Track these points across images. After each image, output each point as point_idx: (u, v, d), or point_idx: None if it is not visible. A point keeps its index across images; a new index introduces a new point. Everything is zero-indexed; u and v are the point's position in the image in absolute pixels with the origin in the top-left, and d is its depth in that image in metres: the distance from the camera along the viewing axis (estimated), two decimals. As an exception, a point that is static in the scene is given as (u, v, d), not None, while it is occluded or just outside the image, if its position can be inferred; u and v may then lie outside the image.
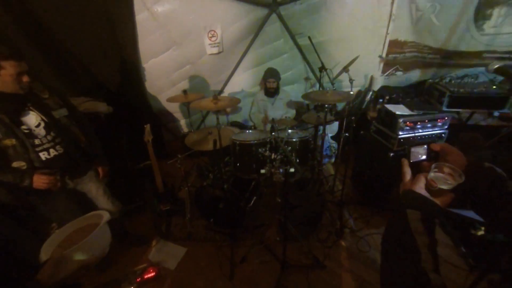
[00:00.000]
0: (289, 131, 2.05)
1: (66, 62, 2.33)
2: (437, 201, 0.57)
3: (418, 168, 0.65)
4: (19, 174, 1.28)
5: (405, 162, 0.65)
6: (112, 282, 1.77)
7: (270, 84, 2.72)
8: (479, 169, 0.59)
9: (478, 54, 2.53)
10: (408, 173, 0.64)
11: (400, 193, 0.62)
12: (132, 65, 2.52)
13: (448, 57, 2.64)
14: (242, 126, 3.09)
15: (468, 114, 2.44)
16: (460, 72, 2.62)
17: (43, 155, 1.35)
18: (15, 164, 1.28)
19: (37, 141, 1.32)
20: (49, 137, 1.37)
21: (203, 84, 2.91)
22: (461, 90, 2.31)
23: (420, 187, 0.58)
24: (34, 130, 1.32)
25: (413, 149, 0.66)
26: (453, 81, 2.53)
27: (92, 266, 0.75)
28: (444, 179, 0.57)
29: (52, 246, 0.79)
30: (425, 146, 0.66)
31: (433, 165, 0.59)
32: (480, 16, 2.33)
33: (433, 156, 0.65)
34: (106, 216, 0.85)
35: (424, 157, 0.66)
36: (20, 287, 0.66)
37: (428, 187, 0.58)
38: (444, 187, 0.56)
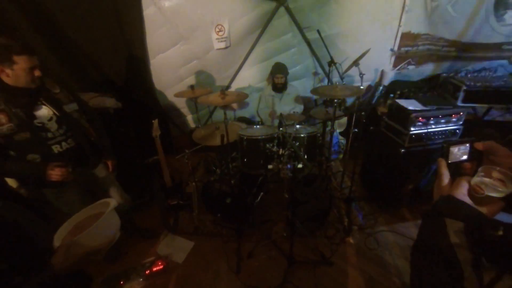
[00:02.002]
0: (297, 126, 2.02)
1: (75, 58, 2.37)
2: (483, 210, 0.49)
3: (457, 170, 0.57)
4: (33, 166, 1.32)
5: (442, 162, 0.56)
6: (122, 273, 1.81)
7: (278, 79, 2.68)
8: None
9: (497, 46, 2.40)
10: (446, 175, 0.55)
11: (436, 199, 0.54)
12: (140, 60, 2.53)
13: (464, 50, 2.52)
14: (249, 122, 3.08)
15: (485, 109, 2.34)
16: (477, 65, 2.51)
17: (56, 148, 1.38)
18: (29, 157, 1.32)
19: (49, 135, 1.36)
20: (61, 131, 1.40)
21: (210, 79, 2.91)
22: (478, 84, 2.21)
23: (462, 193, 0.50)
24: (46, 124, 1.35)
25: (452, 148, 0.56)
26: (469, 75, 2.42)
27: (102, 251, 0.77)
28: (493, 185, 0.48)
29: (64, 233, 0.82)
30: (467, 144, 0.56)
31: (479, 168, 0.51)
32: (501, 5, 2.21)
33: (476, 156, 0.56)
34: (113, 203, 0.87)
35: (465, 157, 0.57)
36: (36, 271, 0.69)
37: (473, 193, 0.50)
38: (494, 194, 0.48)
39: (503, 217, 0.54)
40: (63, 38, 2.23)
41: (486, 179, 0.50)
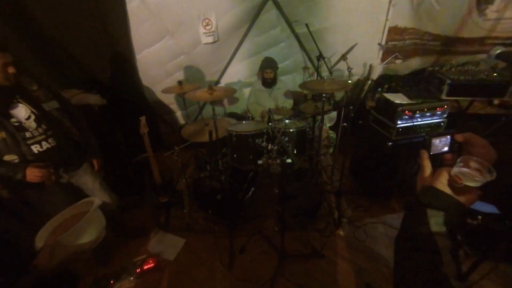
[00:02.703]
0: (286, 121, 2.02)
1: (55, 54, 2.26)
2: (462, 199, 0.51)
3: (439, 161, 0.58)
4: (11, 167, 1.26)
5: (424, 154, 0.58)
6: (112, 273, 1.78)
7: (268, 74, 2.67)
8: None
9: (479, 41, 2.47)
10: (428, 167, 0.57)
11: (418, 189, 0.56)
12: (125, 56, 2.46)
13: (448, 44, 2.58)
14: (240, 117, 3.06)
15: (468, 102, 2.41)
16: (461, 59, 2.57)
17: (35, 148, 1.33)
18: (6, 158, 1.26)
19: (28, 134, 1.30)
20: (40, 130, 1.34)
21: (198, 74, 2.86)
22: (462, 77, 2.26)
23: (442, 183, 0.52)
24: (24, 123, 1.29)
25: (434, 140, 0.57)
26: (453, 69, 2.47)
27: (88, 251, 0.76)
28: (471, 175, 0.50)
29: (46, 234, 0.80)
30: (448, 136, 0.58)
31: (458, 159, 0.52)
32: (483, 0, 2.26)
33: (456, 148, 0.58)
34: (97, 201, 0.85)
35: (446, 148, 0.58)
36: (18, 273, 0.67)
37: (452, 183, 0.51)
38: (471, 184, 0.49)
39: (479, 205, 0.57)
40: (41, 34, 2.13)
41: (464, 169, 0.51)
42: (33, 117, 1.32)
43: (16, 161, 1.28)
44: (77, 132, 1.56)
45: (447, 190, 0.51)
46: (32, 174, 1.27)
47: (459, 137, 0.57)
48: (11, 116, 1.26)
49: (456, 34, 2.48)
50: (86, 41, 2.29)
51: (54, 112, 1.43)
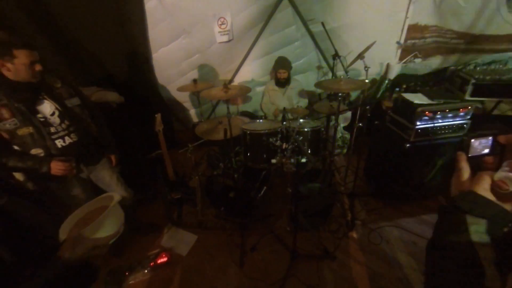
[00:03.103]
0: (301, 120, 2.00)
1: (77, 53, 2.35)
2: (507, 207, 0.46)
3: (478, 164, 0.54)
4: (37, 160, 1.33)
5: (462, 156, 0.53)
6: (127, 265, 1.84)
7: (281, 74, 2.65)
8: None
9: (508, 38, 2.32)
10: (466, 170, 0.52)
11: (454, 194, 0.51)
12: (142, 55, 2.52)
13: (473, 42, 2.44)
14: (252, 116, 3.06)
15: (494, 103, 2.28)
16: (487, 57, 2.43)
17: (59, 143, 1.39)
18: (33, 151, 1.33)
19: (52, 129, 1.36)
20: (63, 125, 1.40)
21: (213, 73, 2.88)
22: (487, 77, 2.15)
23: (483, 189, 0.47)
24: (49, 119, 1.35)
25: (473, 141, 0.54)
26: (478, 68, 2.36)
27: (108, 244, 0.78)
28: None
29: (69, 226, 0.83)
30: (490, 137, 0.54)
31: (504, 163, 0.48)
32: (513, -5, 2.13)
33: (498, 150, 0.53)
34: (116, 196, 0.88)
35: (486, 151, 0.54)
36: (44, 263, 0.70)
37: (496, 189, 0.46)
38: None
39: None
40: (64, 34, 2.22)
41: (511, 174, 0.47)
42: (57, 113, 1.38)
43: (42, 155, 1.34)
44: (96, 128, 1.61)
45: (490, 196, 0.47)
46: (57, 167, 1.33)
47: (502, 139, 0.52)
48: (38, 112, 1.32)
49: (482, 31, 2.34)
50: (105, 40, 2.37)
51: (76, 108, 1.49)
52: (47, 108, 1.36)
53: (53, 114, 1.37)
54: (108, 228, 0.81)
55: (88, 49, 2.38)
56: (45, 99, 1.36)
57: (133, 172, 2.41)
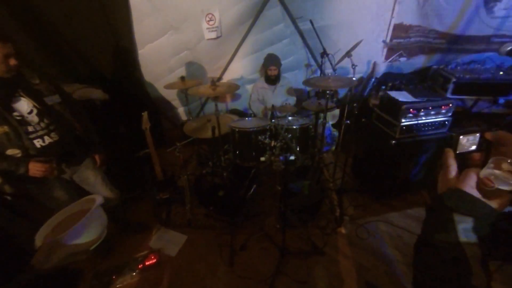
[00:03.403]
0: (289, 118, 2.01)
1: (58, 48, 2.25)
2: (493, 204, 0.46)
3: (465, 161, 0.54)
4: (14, 161, 1.26)
5: (450, 153, 0.52)
6: (114, 268, 1.79)
7: (272, 71, 2.64)
8: None
9: (486, 39, 2.43)
10: (453, 167, 0.51)
11: (442, 191, 0.51)
12: (128, 50, 2.44)
13: (454, 42, 2.54)
14: (241, 114, 3.04)
15: (473, 101, 2.39)
16: (466, 57, 2.54)
17: (38, 143, 1.32)
18: (9, 152, 1.26)
19: (30, 128, 1.29)
20: (42, 124, 1.33)
21: (201, 70, 2.84)
22: (467, 76, 2.24)
23: (470, 186, 0.47)
24: (26, 117, 1.29)
25: (461, 138, 0.55)
26: (458, 67, 2.45)
27: (87, 251, 0.74)
28: (504, 177, 0.45)
29: (46, 232, 0.78)
30: (477, 134, 0.55)
31: (490, 160, 0.48)
32: (491, -3, 2.23)
33: (484, 147, 0.54)
34: (99, 199, 0.83)
35: (474, 147, 0.57)
36: (17, 273, 0.66)
37: (482, 186, 0.46)
38: (505, 187, 0.45)
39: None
40: (44, 27, 2.11)
41: (497, 171, 0.47)
42: (35, 111, 1.32)
43: (19, 155, 1.27)
44: (79, 126, 1.55)
45: (476, 194, 0.47)
46: (35, 168, 1.26)
47: (489, 136, 0.53)
48: (13, 110, 1.25)
49: (463, 32, 2.44)
50: (89, 35, 2.28)
51: (56, 106, 1.42)
52: (24, 105, 1.29)
53: (30, 112, 1.30)
54: (89, 233, 0.77)
55: (70, 44, 2.28)
56: (22, 96, 1.29)
57: (120, 172, 2.35)
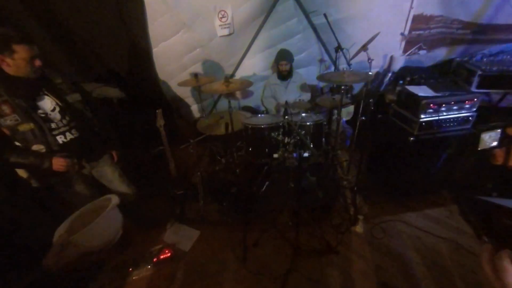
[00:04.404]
0: (303, 114, 1.98)
1: (77, 49, 2.35)
2: None
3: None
4: (39, 156, 1.33)
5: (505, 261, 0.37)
6: (131, 261, 1.85)
7: (283, 66, 2.61)
8: None
9: (516, 27, 2.26)
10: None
11: None
12: (143, 49, 2.49)
13: (480, 32, 2.38)
14: (254, 111, 3.03)
15: (500, 95, 2.23)
16: (494, 48, 2.37)
17: (60, 139, 1.39)
18: (34, 147, 1.33)
19: (53, 125, 1.36)
20: (64, 121, 1.40)
21: (214, 67, 2.85)
22: (494, 68, 2.10)
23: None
24: (50, 114, 1.35)
25: (483, 134, 0.52)
26: (485, 59, 2.30)
27: (101, 252, 0.74)
28: None
29: (65, 229, 0.80)
30: (499, 130, 0.52)
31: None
32: (523, -18, 2.06)
33: (506, 142, 0.52)
34: (114, 200, 0.84)
35: (495, 143, 0.53)
36: (28, 272, 0.67)
37: None
38: None
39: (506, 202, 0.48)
40: (64, 30, 2.21)
41: None
42: (57, 109, 1.38)
43: (43, 151, 1.34)
44: (97, 124, 1.61)
45: None
46: (58, 163, 1.33)
47: (511, 131, 0.50)
48: (38, 108, 1.32)
49: (490, 20, 2.28)
50: (106, 36, 2.35)
51: (77, 104, 1.48)
52: (47, 103, 1.35)
53: (53, 109, 1.37)
54: (101, 235, 0.77)
55: (89, 44, 2.37)
56: (46, 94, 1.35)
57: (136, 168, 2.42)
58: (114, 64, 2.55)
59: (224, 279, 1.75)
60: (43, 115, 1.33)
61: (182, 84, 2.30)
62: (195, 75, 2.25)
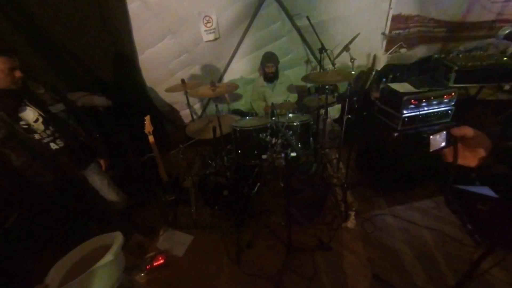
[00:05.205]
0: (290, 115, 2.01)
1: (60, 57, 2.31)
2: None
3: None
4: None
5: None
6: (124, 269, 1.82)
7: (269, 68, 2.65)
8: (504, 151, 0.54)
9: (488, 24, 2.38)
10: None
11: None
12: (128, 57, 2.49)
13: (455, 30, 2.49)
14: (243, 114, 3.06)
15: (477, 89, 2.34)
16: (468, 45, 2.49)
17: (45, 150, 1.36)
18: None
19: (37, 136, 1.34)
20: (48, 132, 1.38)
21: (201, 72, 2.87)
22: (469, 64, 2.19)
23: None
24: (32, 125, 1.33)
25: (432, 137, 0.59)
26: (460, 55, 2.40)
27: None
28: None
29: (62, 271, 0.73)
30: (444, 131, 0.59)
31: None
32: (491, -18, 2.18)
33: (452, 141, 0.59)
34: (119, 239, 0.76)
35: (443, 144, 0.59)
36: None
37: None
38: None
39: (476, 189, 0.58)
40: (46, 39, 2.17)
41: None
42: (41, 119, 1.36)
43: (27, 162, 1.32)
44: (83, 133, 1.59)
45: None
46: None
47: (455, 131, 0.58)
48: (20, 119, 1.30)
49: (463, 19, 2.40)
50: (90, 43, 2.33)
51: (61, 114, 1.47)
52: (30, 115, 1.33)
53: (36, 120, 1.35)
54: (102, 281, 0.69)
55: (73, 52, 2.33)
56: (28, 105, 1.33)
57: (125, 177, 2.39)
58: (99, 72, 2.53)
59: (219, 282, 1.75)
60: (25, 127, 1.31)
61: (169, 90, 2.30)
62: (183, 81, 2.26)
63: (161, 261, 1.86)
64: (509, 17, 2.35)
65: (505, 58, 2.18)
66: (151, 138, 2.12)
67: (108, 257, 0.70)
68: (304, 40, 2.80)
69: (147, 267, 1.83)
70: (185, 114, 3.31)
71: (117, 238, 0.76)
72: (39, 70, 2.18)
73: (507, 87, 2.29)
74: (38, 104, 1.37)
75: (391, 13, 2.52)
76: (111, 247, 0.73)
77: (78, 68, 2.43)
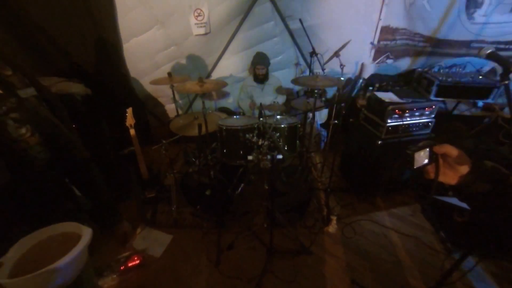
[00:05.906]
0: (278, 117, 2.00)
1: (36, 40, 2.12)
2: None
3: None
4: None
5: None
6: (94, 270, 1.71)
7: (259, 70, 2.63)
8: (483, 170, 0.56)
9: (466, 44, 2.53)
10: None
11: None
12: (111, 43, 2.35)
13: (438, 46, 2.62)
14: (230, 113, 3.01)
15: (454, 103, 2.47)
16: (449, 61, 2.63)
17: (10, 138, 1.24)
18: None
19: None
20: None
21: (189, 67, 2.78)
22: (449, 79, 2.32)
23: None
24: (-4, 110, 1.20)
25: (416, 154, 0.59)
26: (441, 70, 2.53)
27: None
28: None
29: (17, 255, 0.68)
30: (427, 148, 0.59)
31: None
32: (472, 4, 2.31)
33: (434, 158, 0.60)
34: (86, 235, 0.71)
35: (426, 161, 0.60)
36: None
37: None
38: None
39: (456, 201, 0.60)
40: (19, 17, 1.98)
41: None
42: (7, 104, 1.23)
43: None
44: (57, 122, 1.47)
45: None
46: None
47: (437, 149, 0.59)
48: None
49: (445, 36, 2.52)
50: (70, 26, 2.17)
51: (31, 99, 1.34)
52: (-7, 98, 1.20)
53: (1, 105, 1.22)
54: (58, 279, 0.65)
55: (48, 33, 2.15)
56: (-8, 88, 1.20)
57: (103, 170, 2.25)
58: (78, 58, 2.36)
59: (197, 284, 1.69)
60: (-12, 111, 1.17)
61: (154, 82, 2.20)
62: (169, 74, 2.17)
63: (137, 262, 1.77)
64: (485, 39, 2.51)
65: (480, 77, 2.33)
66: (132, 132, 2.02)
67: (87, 235, 0.70)
68: (295, 42, 2.80)
69: (121, 267, 1.73)
70: (170, 108, 3.20)
71: (85, 235, 0.73)
72: (7, 50, 1.99)
73: (480, 103, 2.44)
74: (4, 87, 1.23)
75: (381, 24, 2.60)
76: (82, 233, 0.71)
77: (52, 50, 2.24)
